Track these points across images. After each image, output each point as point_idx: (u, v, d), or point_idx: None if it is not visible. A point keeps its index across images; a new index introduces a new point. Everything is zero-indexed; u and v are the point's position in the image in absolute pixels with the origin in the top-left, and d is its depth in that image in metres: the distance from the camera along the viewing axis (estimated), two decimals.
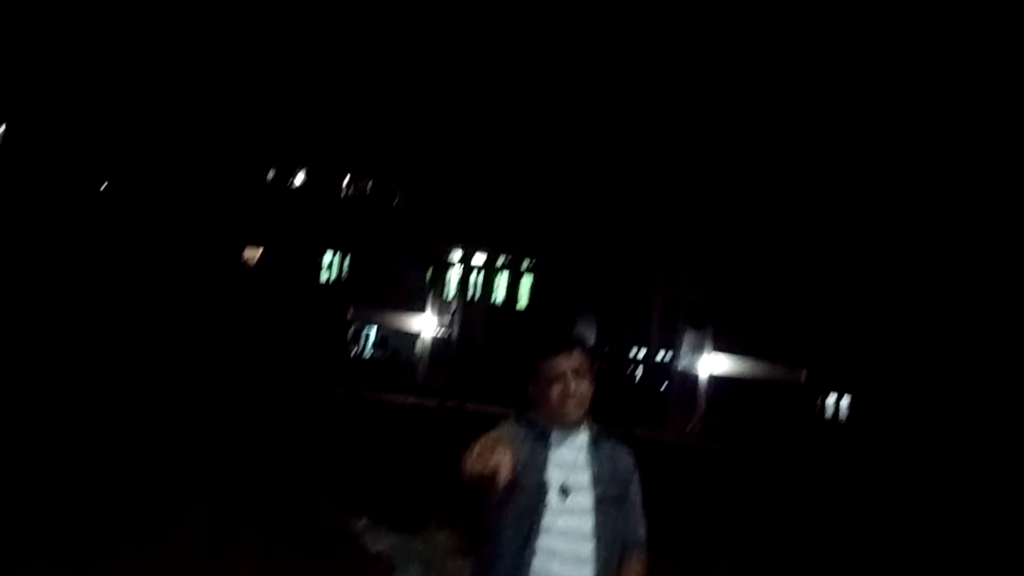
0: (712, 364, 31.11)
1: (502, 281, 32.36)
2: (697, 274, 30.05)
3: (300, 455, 10.71)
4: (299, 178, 33.96)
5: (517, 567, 2.18)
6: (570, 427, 2.30)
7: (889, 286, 27.90)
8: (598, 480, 2.26)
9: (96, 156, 27.28)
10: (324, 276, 32.02)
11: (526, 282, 32.25)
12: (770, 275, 29.03)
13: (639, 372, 32.11)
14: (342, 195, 33.81)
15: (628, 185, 30.00)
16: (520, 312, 31.43)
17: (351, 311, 30.38)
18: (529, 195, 30.12)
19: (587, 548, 2.21)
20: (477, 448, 1.99)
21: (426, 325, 30.97)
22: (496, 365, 29.71)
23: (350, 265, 31.98)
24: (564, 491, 2.20)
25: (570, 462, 2.25)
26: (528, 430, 2.28)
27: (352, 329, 31.07)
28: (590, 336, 30.37)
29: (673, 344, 31.61)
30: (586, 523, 2.22)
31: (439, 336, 30.67)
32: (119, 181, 28.91)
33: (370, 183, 34.06)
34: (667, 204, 29.65)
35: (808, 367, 29.99)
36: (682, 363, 31.60)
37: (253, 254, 32.27)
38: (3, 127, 27.56)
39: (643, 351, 31.76)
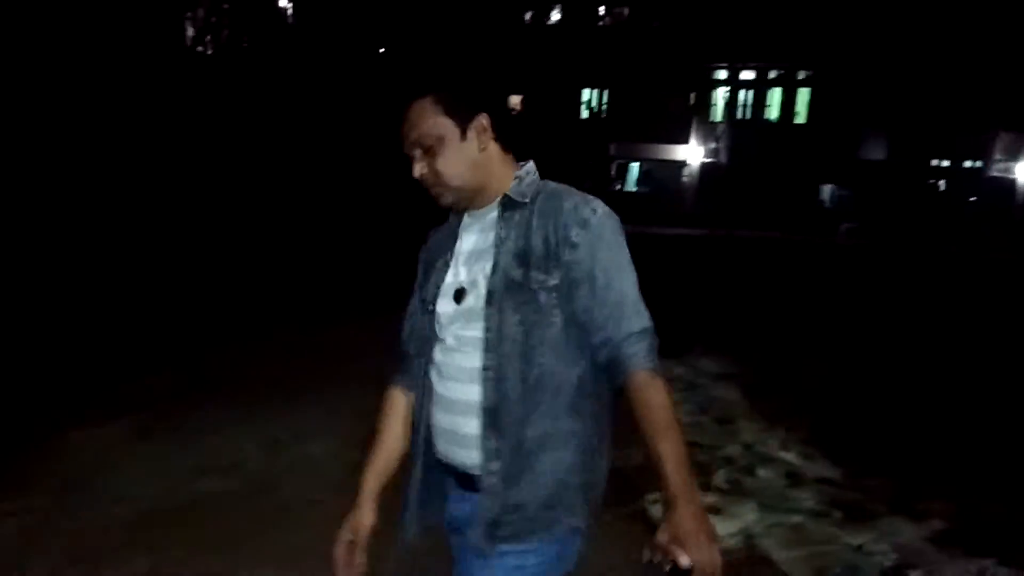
0: None
1: (775, 97, 29.78)
2: (1012, 58, 25.17)
3: None
4: (555, 15, 33.21)
5: (418, 418, 1.60)
6: (475, 207, 1.55)
7: None
8: (500, 261, 1.47)
9: None
10: (584, 114, 31.65)
11: (803, 96, 29.39)
12: None
13: (942, 185, 28.53)
14: (600, 25, 32.60)
15: None
16: (798, 128, 28.90)
17: (612, 147, 29.94)
18: None
19: (472, 364, 1.47)
20: None
21: (692, 153, 29.71)
22: (772, 187, 27.92)
23: (609, 100, 31.19)
24: (458, 295, 1.51)
25: (477, 251, 1.52)
26: (446, 227, 1.63)
27: (615, 165, 30.73)
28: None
29: (985, 150, 27.47)
30: (474, 329, 1.48)
31: (707, 163, 29.32)
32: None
33: (626, 9, 32.44)
34: None
35: None
36: (995, 171, 27.48)
37: (516, 100, 32.67)
38: None
39: (947, 161, 28.00)
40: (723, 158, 28.28)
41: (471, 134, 1.49)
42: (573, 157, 29.09)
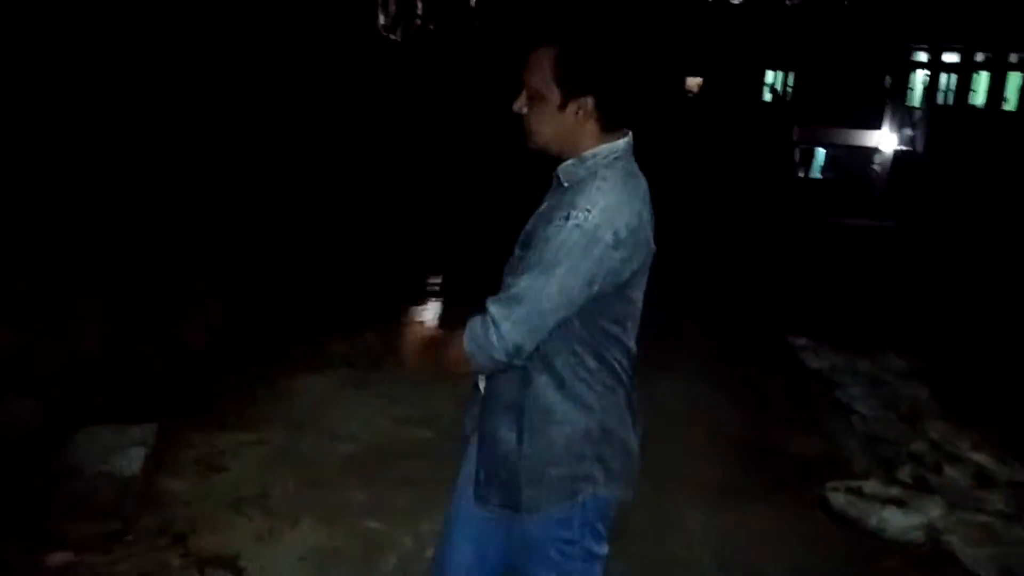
0: None
1: (982, 81, 27.41)
2: None
3: (745, 275, 10.69)
4: None
5: None
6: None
7: None
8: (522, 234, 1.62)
9: None
10: (767, 97, 30.57)
11: (1014, 80, 26.85)
12: None
13: None
14: (786, 4, 31.24)
15: None
16: (1008, 115, 26.46)
17: (796, 132, 28.72)
18: None
19: None
20: None
21: (885, 140, 27.94)
22: (976, 179, 25.76)
23: (795, 82, 29.92)
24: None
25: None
26: None
27: (799, 150, 29.47)
28: None
29: None
30: None
31: (901, 151, 27.46)
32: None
33: None
34: None
35: None
36: None
37: (694, 82, 32.00)
38: None
39: None
40: (920, 146, 26.42)
41: (570, 108, 1.52)
42: (754, 142, 28.19)
